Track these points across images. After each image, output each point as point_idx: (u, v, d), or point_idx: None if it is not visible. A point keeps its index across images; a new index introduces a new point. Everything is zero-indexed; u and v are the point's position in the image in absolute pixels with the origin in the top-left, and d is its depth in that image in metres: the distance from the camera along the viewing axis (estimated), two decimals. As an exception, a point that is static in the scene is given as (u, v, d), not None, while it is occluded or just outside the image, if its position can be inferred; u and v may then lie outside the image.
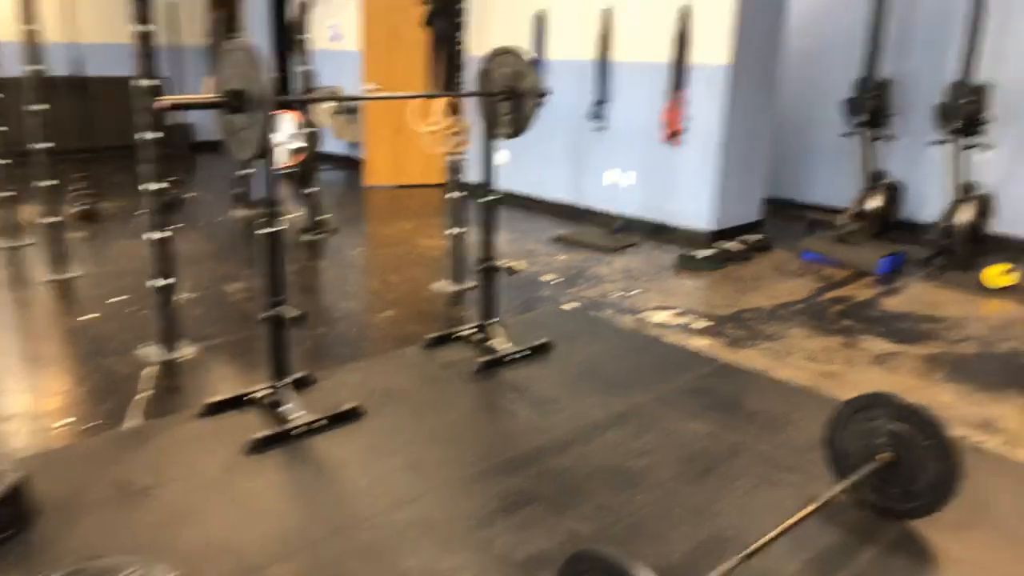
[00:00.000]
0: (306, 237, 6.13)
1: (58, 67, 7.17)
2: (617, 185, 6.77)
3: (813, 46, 6.99)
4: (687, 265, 5.54)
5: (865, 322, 4.47)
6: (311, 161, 6.09)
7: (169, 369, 3.68)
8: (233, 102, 2.48)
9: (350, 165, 9.33)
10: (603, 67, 6.59)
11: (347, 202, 7.85)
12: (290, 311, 2.95)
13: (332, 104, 8.95)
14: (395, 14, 7.78)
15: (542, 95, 3.60)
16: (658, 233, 6.45)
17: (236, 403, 3.26)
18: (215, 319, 4.41)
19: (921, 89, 6.36)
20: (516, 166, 7.46)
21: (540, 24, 7.00)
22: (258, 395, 3.25)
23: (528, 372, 3.74)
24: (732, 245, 5.93)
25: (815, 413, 3.27)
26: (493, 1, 7.39)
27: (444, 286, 5.01)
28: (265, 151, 2.69)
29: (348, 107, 8.91)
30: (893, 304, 4.80)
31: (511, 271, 3.90)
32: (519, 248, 6.02)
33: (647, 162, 6.50)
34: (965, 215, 5.98)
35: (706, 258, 5.56)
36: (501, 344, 3.90)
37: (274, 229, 2.87)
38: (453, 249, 4.99)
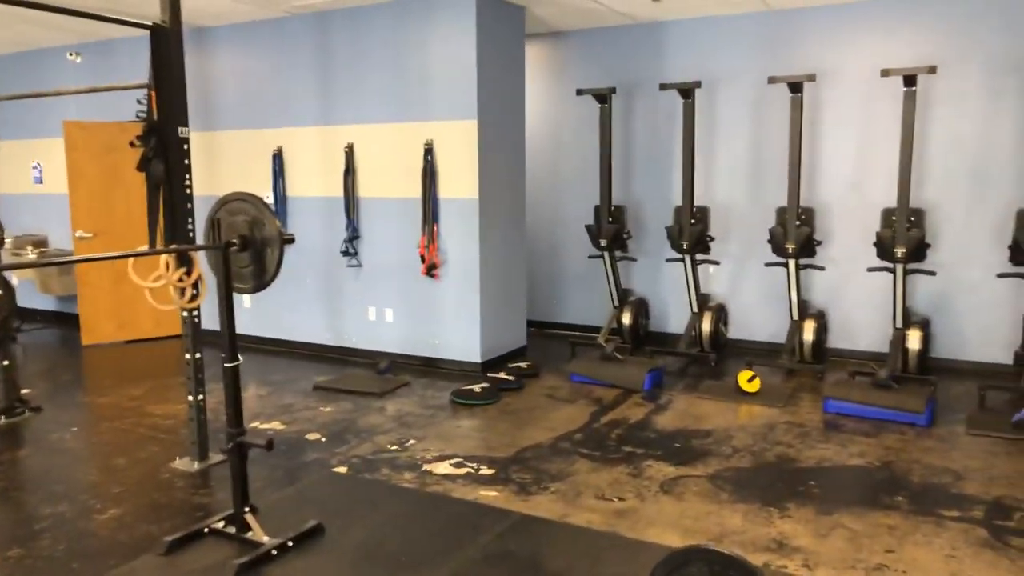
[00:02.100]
0: (1, 421, 4.96)
1: None
2: (378, 322, 6.42)
3: (554, 177, 7.35)
4: (462, 402, 5.26)
5: (644, 446, 4.44)
6: (3, 326, 5.01)
7: None
8: None
9: (63, 322, 8.02)
10: (351, 203, 6.34)
11: (59, 368, 6.62)
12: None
13: (34, 252, 7.72)
14: (115, 154, 6.97)
15: (287, 242, 3.21)
16: (427, 368, 6.14)
17: None
18: None
19: (652, 213, 6.88)
20: (264, 308, 6.85)
21: (278, 161, 6.63)
22: None
23: (298, 566, 3.12)
24: (503, 375, 5.78)
25: (624, 562, 3.05)
26: (223, 139, 6.91)
27: (186, 465, 4.22)
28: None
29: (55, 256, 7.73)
30: (665, 422, 4.86)
31: (269, 446, 3.31)
32: (276, 403, 5.36)
33: (408, 297, 6.25)
34: (706, 325, 6.43)
35: (480, 393, 5.33)
36: (262, 536, 3.26)
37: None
38: (194, 418, 4.25)
